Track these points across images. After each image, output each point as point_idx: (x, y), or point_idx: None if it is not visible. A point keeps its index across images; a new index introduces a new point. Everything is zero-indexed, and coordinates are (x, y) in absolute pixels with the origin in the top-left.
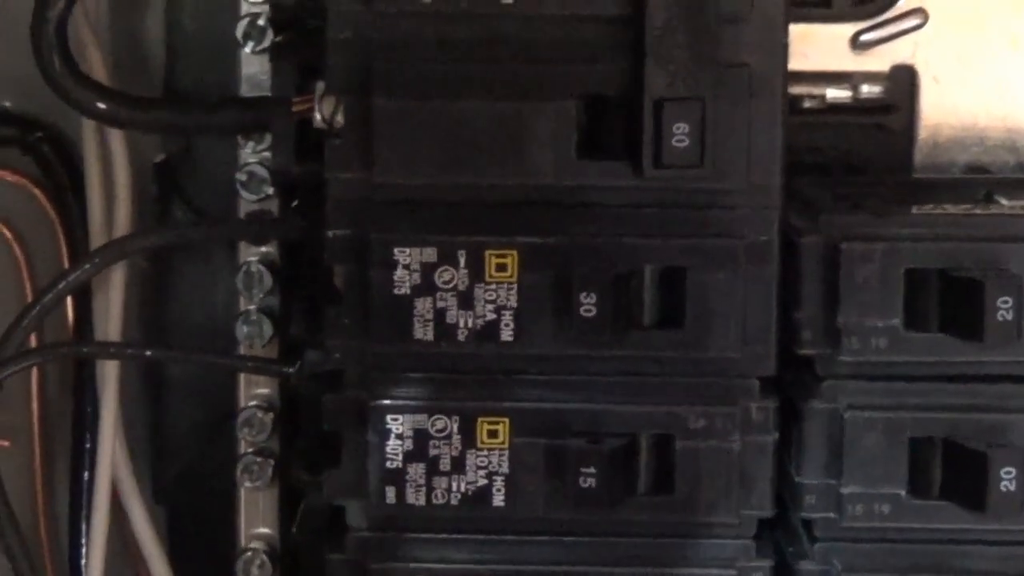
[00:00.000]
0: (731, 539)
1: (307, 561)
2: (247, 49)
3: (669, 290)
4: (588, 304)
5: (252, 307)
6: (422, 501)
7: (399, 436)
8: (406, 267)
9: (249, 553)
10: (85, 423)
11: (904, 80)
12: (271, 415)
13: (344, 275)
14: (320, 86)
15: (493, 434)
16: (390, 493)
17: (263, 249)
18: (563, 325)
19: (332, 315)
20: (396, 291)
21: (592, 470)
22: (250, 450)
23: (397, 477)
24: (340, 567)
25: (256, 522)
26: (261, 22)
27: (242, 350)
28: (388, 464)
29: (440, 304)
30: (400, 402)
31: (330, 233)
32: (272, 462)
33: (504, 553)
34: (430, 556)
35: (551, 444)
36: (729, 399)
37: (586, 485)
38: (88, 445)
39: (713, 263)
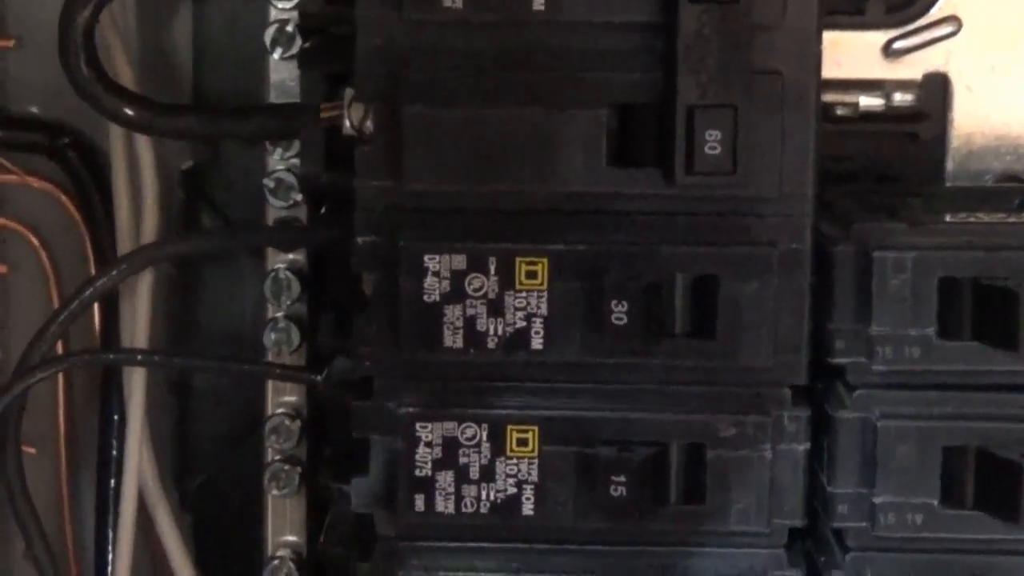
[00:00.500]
0: (762, 549)
1: (334, 570)
2: (275, 56)
3: (701, 299)
4: (619, 312)
5: (280, 314)
6: (451, 509)
7: (428, 444)
8: (435, 274)
9: (276, 561)
10: (111, 431)
11: (937, 88)
12: (298, 423)
13: (373, 282)
14: (349, 93)
15: (523, 442)
16: (419, 501)
17: (291, 256)
18: (594, 333)
19: (360, 323)
20: (426, 298)
21: (622, 479)
22: (277, 458)
23: (426, 485)
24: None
25: (283, 530)
26: (289, 28)
27: (270, 357)
28: (417, 472)
29: (470, 312)
30: (429, 410)
31: (359, 240)
32: (299, 470)
33: (533, 562)
34: (459, 565)
35: (581, 453)
36: (761, 408)
37: (616, 494)
38: (115, 453)
39: (745, 272)
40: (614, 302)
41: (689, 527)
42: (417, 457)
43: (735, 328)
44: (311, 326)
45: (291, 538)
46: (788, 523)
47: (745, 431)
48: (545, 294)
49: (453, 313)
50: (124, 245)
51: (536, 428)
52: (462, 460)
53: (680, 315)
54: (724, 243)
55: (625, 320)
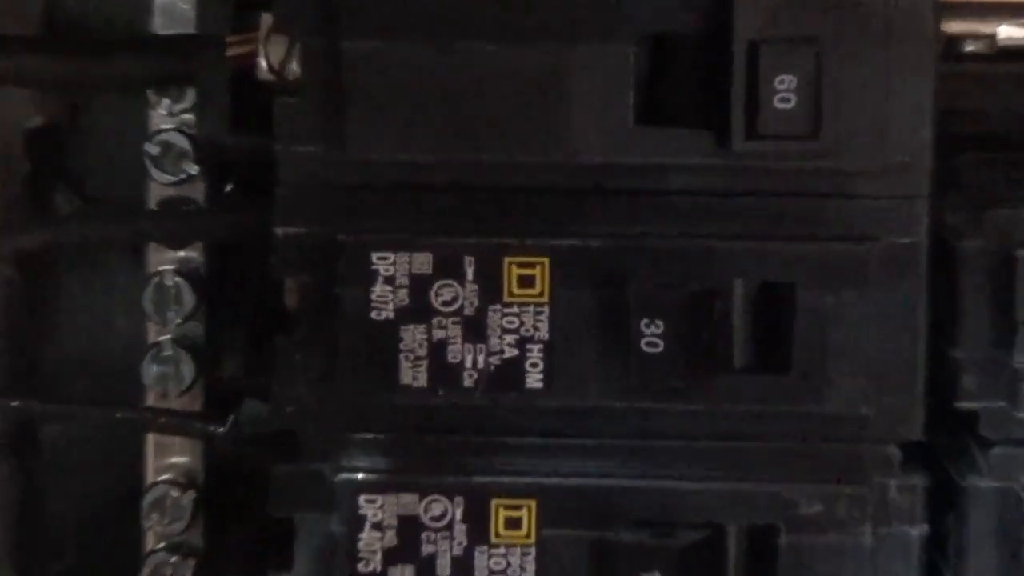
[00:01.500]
0: None
1: None
2: None
3: (768, 317)
4: (652, 336)
5: (166, 338)
6: None
7: (378, 526)
8: (389, 281)
9: None
10: None
11: None
12: (191, 495)
13: (300, 292)
14: (267, 21)
15: (514, 523)
16: None
17: (182, 254)
18: (615, 367)
19: (282, 350)
20: (375, 315)
21: None
22: (161, 545)
23: None
24: None
25: None
26: None
27: (151, 400)
28: (363, 567)
29: (438, 335)
30: (380, 476)
31: (280, 231)
32: (192, 563)
33: None
34: None
35: (598, 539)
36: (857, 474)
37: None
38: None
39: (832, 277)
40: (644, 321)
41: None
42: (362, 545)
43: (818, 359)
44: (210, 355)
45: None
46: None
47: (834, 507)
48: (545, 309)
49: (414, 337)
50: None
51: (533, 503)
52: (426, 550)
53: (739, 340)
54: (801, 236)
55: (660, 347)
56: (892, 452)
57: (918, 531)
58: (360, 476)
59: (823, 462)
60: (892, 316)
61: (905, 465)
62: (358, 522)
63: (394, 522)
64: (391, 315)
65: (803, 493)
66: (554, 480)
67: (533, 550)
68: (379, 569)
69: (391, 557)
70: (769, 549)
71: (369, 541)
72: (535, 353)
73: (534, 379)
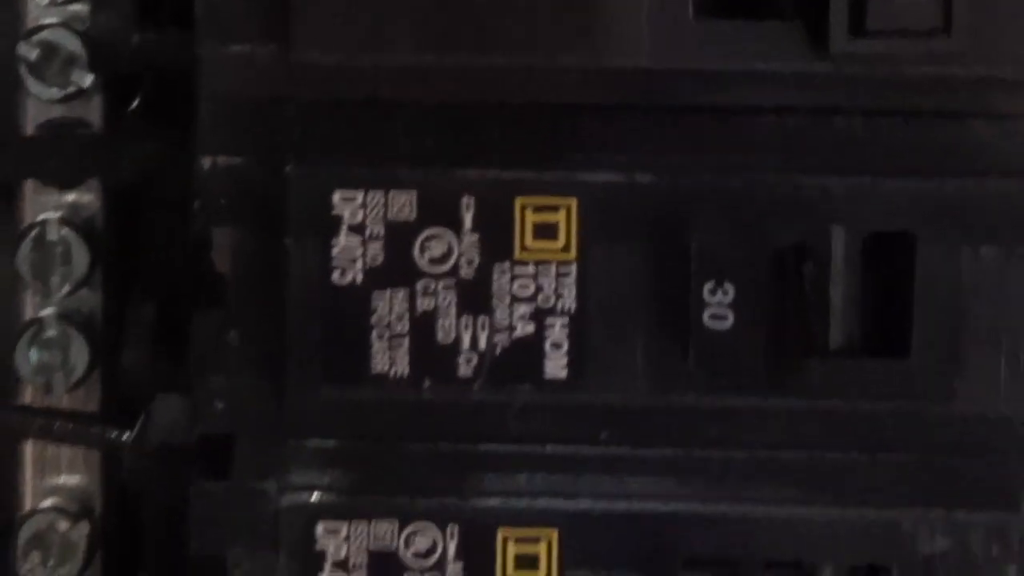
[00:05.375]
0: None
1: None
2: None
3: (878, 281)
4: (718, 306)
5: (49, 312)
6: None
7: (342, 565)
8: (357, 229)
9: None
10: None
11: None
12: (84, 527)
13: (233, 249)
14: None
15: (528, 562)
16: None
17: (71, 198)
18: (668, 350)
19: (207, 329)
20: (337, 278)
21: None
22: None
23: None
24: None
25: None
26: None
27: (29, 398)
28: None
29: (424, 304)
30: (343, 498)
31: (204, 164)
32: None
33: None
34: None
35: None
36: (997, 497)
37: None
38: None
39: (967, 228)
40: (709, 286)
41: None
42: None
43: (946, 339)
44: (109, 335)
45: None
46: None
47: (967, 542)
48: (572, 270)
49: (391, 308)
50: None
51: (554, 535)
52: None
53: (838, 313)
54: (924, 171)
55: (730, 321)
56: None
57: None
58: (316, 497)
59: (951, 481)
60: None
61: None
62: (314, 560)
63: (363, 559)
64: (359, 277)
65: (924, 522)
66: (582, 504)
67: None
68: None
69: None
70: None
71: None
72: (557, 330)
73: (556, 366)
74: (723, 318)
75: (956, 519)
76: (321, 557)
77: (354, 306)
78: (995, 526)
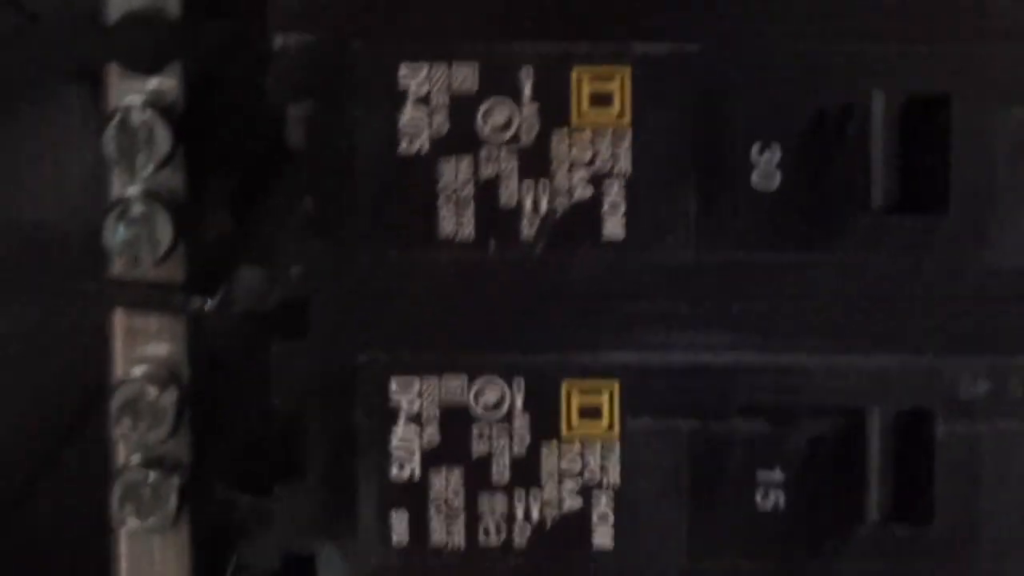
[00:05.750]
0: None
1: None
2: None
3: (917, 141)
4: (766, 166)
5: (135, 191)
6: (457, 542)
7: (415, 418)
8: (423, 101)
9: None
10: None
11: None
12: (173, 394)
13: (307, 123)
14: None
15: (591, 412)
16: (399, 525)
17: (153, 83)
18: (718, 210)
19: (284, 198)
20: (404, 147)
21: (778, 477)
22: (136, 459)
23: (412, 495)
24: None
25: None
26: None
27: (117, 271)
28: (396, 471)
29: (488, 170)
30: (415, 356)
31: (278, 42)
32: (177, 481)
33: None
34: None
35: (699, 430)
36: None
37: (767, 506)
38: None
39: (1001, 90)
40: (756, 147)
41: (903, 564)
42: (395, 443)
43: (982, 193)
44: (192, 212)
45: None
46: None
47: (1007, 386)
48: (627, 134)
49: (456, 174)
50: None
51: (616, 386)
52: (479, 448)
53: (881, 172)
54: (960, 36)
55: (777, 180)
56: None
57: None
58: (389, 354)
59: (989, 328)
60: None
61: None
62: (389, 414)
63: (436, 413)
64: (426, 147)
65: (965, 368)
66: (642, 356)
67: (617, 446)
68: (418, 474)
69: (433, 458)
70: (921, 440)
71: (404, 438)
72: (615, 192)
73: (613, 227)
74: (770, 177)
75: (995, 364)
76: (395, 411)
77: (421, 174)
78: None
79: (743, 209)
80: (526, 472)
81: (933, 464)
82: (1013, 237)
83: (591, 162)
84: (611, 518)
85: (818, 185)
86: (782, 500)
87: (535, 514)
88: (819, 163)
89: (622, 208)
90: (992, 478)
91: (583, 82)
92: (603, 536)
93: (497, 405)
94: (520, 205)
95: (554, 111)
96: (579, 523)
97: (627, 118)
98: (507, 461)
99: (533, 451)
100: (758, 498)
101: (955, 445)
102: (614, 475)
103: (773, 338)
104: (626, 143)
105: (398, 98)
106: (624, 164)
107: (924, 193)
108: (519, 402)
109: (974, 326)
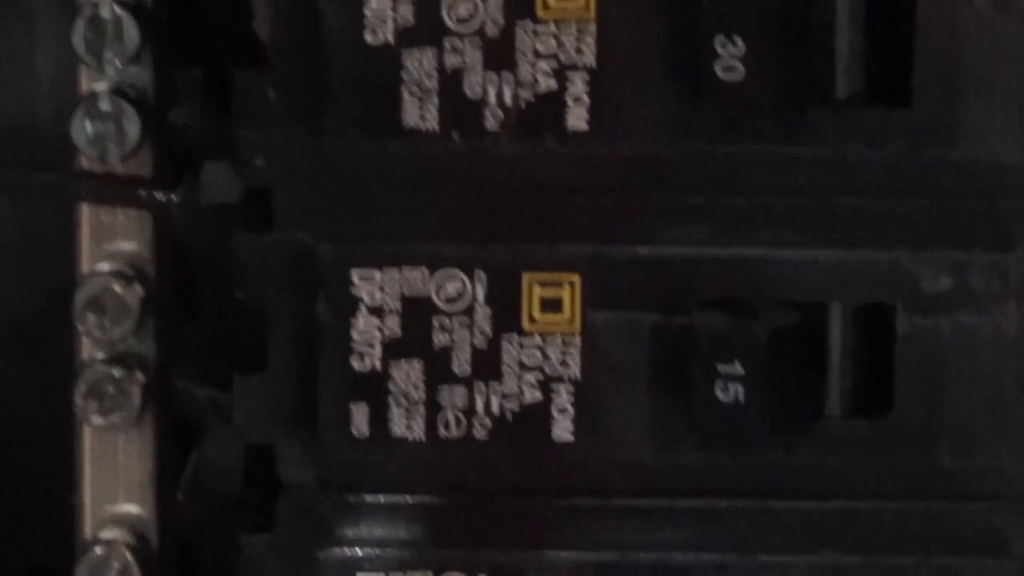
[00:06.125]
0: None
1: (205, 549)
2: None
3: (881, 32)
4: (729, 58)
5: (103, 87)
6: (419, 433)
7: (376, 310)
8: None
9: (100, 549)
10: None
11: None
12: (138, 290)
13: (273, 16)
14: None
15: (553, 304)
16: (359, 417)
17: None
18: (682, 102)
19: (249, 88)
20: (370, 38)
21: (737, 370)
22: (100, 356)
23: (373, 388)
24: (264, 557)
25: (112, 493)
26: None
27: (85, 165)
28: (357, 363)
29: (452, 61)
30: (378, 246)
31: None
32: (141, 378)
33: (561, 536)
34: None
35: (661, 323)
36: (998, 238)
37: (727, 398)
38: None
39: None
40: (720, 38)
41: (863, 458)
42: (356, 335)
43: (946, 86)
44: (161, 106)
45: (127, 508)
46: None
47: (967, 280)
48: (592, 27)
49: (421, 65)
50: None
51: (577, 278)
52: (440, 340)
53: (845, 63)
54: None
55: (741, 72)
56: None
57: None
58: (351, 245)
59: (952, 223)
60: None
61: None
62: (351, 305)
63: (397, 305)
64: (390, 37)
65: (927, 262)
66: (604, 248)
67: (578, 339)
68: (378, 366)
69: (394, 350)
70: (882, 335)
71: (365, 329)
72: (579, 84)
73: (577, 117)
74: (734, 69)
75: (957, 259)
76: (356, 302)
77: (386, 65)
78: (994, 265)
79: (706, 101)
80: (487, 365)
81: (894, 358)
82: (978, 130)
83: (556, 54)
84: (571, 411)
85: (781, 77)
86: (742, 394)
87: (495, 407)
88: (782, 55)
89: (586, 100)
90: (952, 373)
91: None
92: (563, 429)
93: (458, 297)
94: (484, 96)
95: (519, 2)
96: (539, 416)
97: (592, 11)
98: (468, 354)
99: (494, 344)
100: (718, 392)
101: (916, 340)
102: (575, 368)
103: (735, 231)
104: (590, 35)
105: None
106: (588, 57)
107: (889, 86)
108: (480, 295)
109: (937, 221)
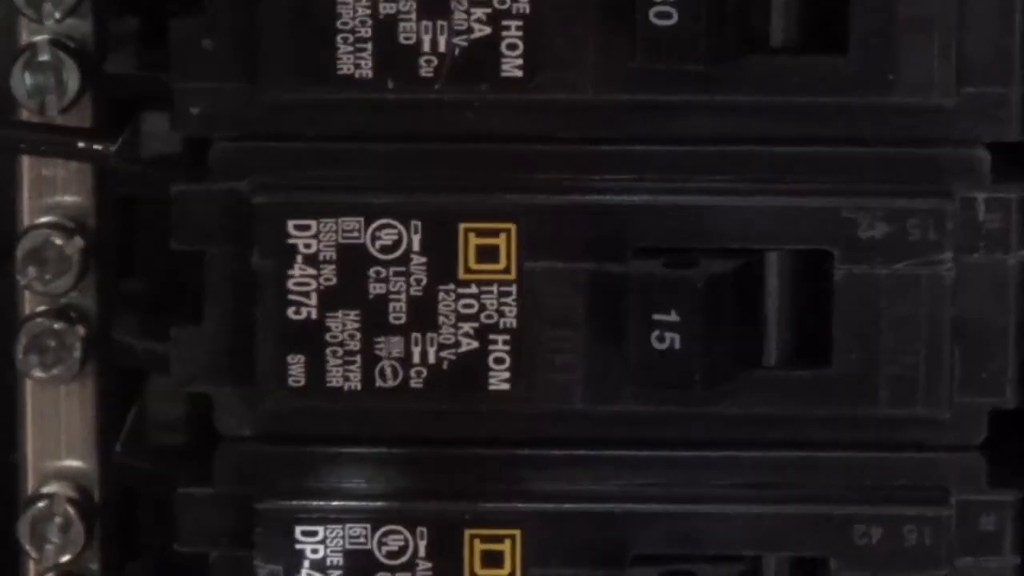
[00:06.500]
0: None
1: (145, 505)
2: None
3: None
4: (663, 4)
5: (42, 38)
6: (355, 383)
7: (311, 259)
8: None
9: (42, 504)
10: None
11: None
12: (78, 242)
13: None
14: None
15: (489, 253)
16: (295, 368)
17: None
18: (616, 49)
19: (184, 37)
20: None
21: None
22: (41, 308)
23: (309, 338)
24: (204, 509)
25: (55, 450)
26: None
27: (24, 116)
28: (293, 313)
29: (386, 8)
30: (312, 196)
31: None
32: (82, 330)
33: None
34: (372, 487)
35: (596, 271)
36: (934, 184)
37: (662, 346)
38: None
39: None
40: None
41: (800, 407)
42: (292, 284)
43: (881, 32)
44: (99, 58)
45: (70, 463)
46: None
47: (904, 228)
48: None
49: (354, 12)
50: None
51: (513, 228)
52: (375, 290)
53: (781, 11)
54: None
55: (675, 18)
56: (980, 156)
57: (1015, 259)
58: (287, 195)
59: (890, 169)
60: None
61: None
62: (286, 254)
63: (333, 254)
64: None
65: (863, 209)
66: (539, 198)
67: (514, 288)
68: (314, 315)
69: (330, 300)
70: (820, 282)
71: (301, 279)
72: (513, 31)
73: (511, 65)
74: (668, 16)
75: (894, 206)
76: (292, 252)
77: (320, 12)
78: (931, 211)
79: (640, 47)
80: (423, 314)
81: (831, 307)
82: (913, 77)
83: (490, 1)
84: (507, 360)
85: (716, 24)
86: (678, 342)
87: (432, 357)
88: (717, 2)
89: (521, 47)
90: (890, 321)
91: None
92: (499, 378)
93: (394, 247)
94: (419, 44)
95: None
96: (476, 365)
97: None
98: (404, 304)
99: (430, 293)
100: (654, 340)
101: (853, 287)
102: (511, 318)
103: (671, 179)
104: None
105: None
106: (523, 3)
107: (824, 32)
108: (416, 244)
109: (874, 167)
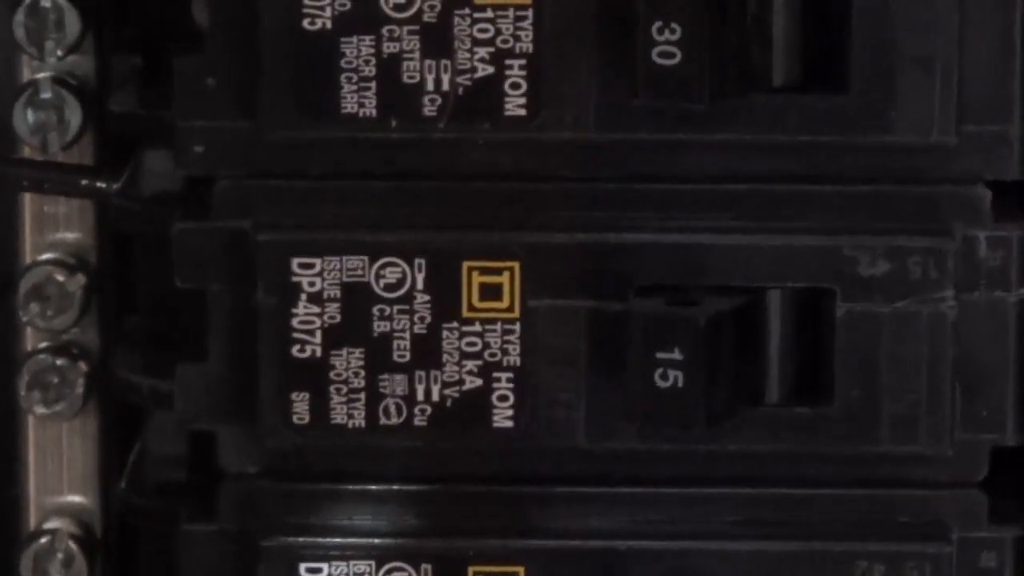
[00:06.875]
0: (943, 489)
1: (148, 539)
2: None
3: (817, 18)
4: (666, 44)
5: (44, 76)
6: (359, 421)
7: (316, 298)
8: None
9: (44, 540)
10: None
11: None
12: (80, 279)
13: (211, 2)
14: None
15: (492, 291)
16: (300, 405)
17: None
18: (618, 88)
19: (187, 74)
20: (308, 24)
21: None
22: (43, 345)
23: (313, 375)
24: (206, 546)
25: (57, 485)
26: None
27: (27, 153)
28: (297, 351)
29: (390, 48)
30: (317, 234)
31: None
32: (84, 368)
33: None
34: (374, 524)
35: (597, 309)
36: (936, 223)
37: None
38: None
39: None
40: (657, 24)
41: (801, 445)
42: (296, 323)
43: (882, 70)
44: (101, 95)
45: (72, 498)
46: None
47: (906, 266)
48: (529, 12)
49: (358, 52)
50: None
51: (516, 265)
52: (379, 328)
53: (781, 49)
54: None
55: (677, 58)
56: (980, 194)
57: (1015, 297)
58: (291, 233)
59: (891, 207)
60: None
61: (998, 212)
62: (291, 292)
63: (337, 292)
64: (328, 24)
65: (865, 247)
66: (542, 236)
67: (517, 326)
68: (318, 353)
69: (334, 337)
70: (821, 320)
71: (305, 317)
72: (515, 70)
73: (515, 104)
74: (671, 56)
75: (895, 244)
76: (296, 290)
77: (324, 51)
78: (932, 249)
79: (643, 86)
80: (427, 352)
81: (833, 344)
82: (914, 115)
83: (492, 40)
84: (511, 398)
85: (718, 63)
86: (681, 380)
87: (435, 394)
88: (719, 41)
89: (524, 86)
90: (891, 358)
91: None
92: (503, 416)
93: (398, 285)
94: (422, 83)
95: None
96: (479, 403)
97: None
98: (408, 341)
99: (434, 331)
100: (657, 378)
101: (854, 325)
102: (514, 355)
103: (673, 217)
104: (527, 20)
105: None
106: (525, 42)
107: (825, 71)
108: (420, 282)
109: (874, 205)
